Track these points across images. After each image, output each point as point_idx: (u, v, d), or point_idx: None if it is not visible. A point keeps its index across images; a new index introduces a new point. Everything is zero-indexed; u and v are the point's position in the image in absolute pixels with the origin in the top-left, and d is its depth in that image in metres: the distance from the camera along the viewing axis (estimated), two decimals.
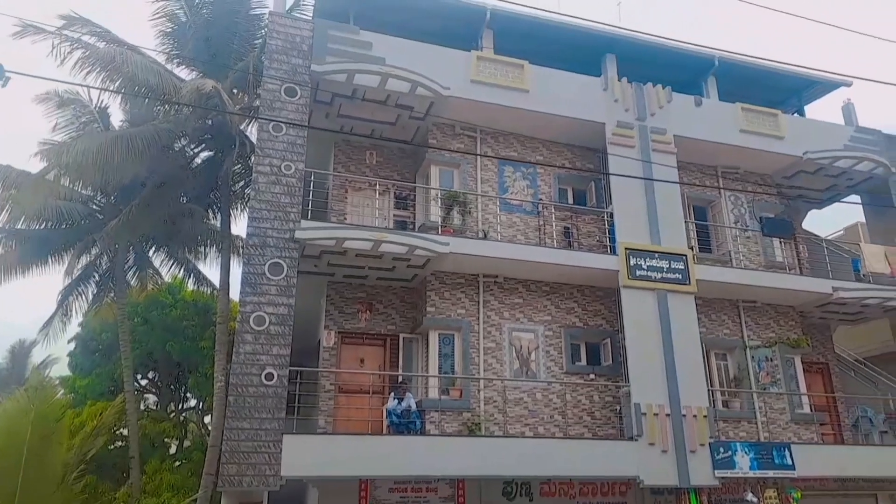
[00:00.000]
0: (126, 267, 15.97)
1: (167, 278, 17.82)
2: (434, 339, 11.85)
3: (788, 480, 12.06)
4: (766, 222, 14.46)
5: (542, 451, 10.88)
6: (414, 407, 10.85)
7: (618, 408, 12.23)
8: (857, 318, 15.53)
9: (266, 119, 11.22)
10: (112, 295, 15.94)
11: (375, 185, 12.88)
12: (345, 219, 12.56)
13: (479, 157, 13.17)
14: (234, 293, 12.77)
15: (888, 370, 15.93)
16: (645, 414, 11.49)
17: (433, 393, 11.47)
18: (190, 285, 17.98)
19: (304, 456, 9.57)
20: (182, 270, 17.20)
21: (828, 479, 12.90)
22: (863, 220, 18.11)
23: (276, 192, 10.89)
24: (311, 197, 11.50)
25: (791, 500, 11.87)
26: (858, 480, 13.24)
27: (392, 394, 11.00)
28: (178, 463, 16.14)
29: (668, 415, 11.60)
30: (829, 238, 17.08)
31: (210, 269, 17.48)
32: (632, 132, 13.53)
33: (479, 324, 12.20)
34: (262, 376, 9.72)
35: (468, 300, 12.34)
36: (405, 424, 10.65)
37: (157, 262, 17.13)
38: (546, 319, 12.73)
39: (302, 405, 10.46)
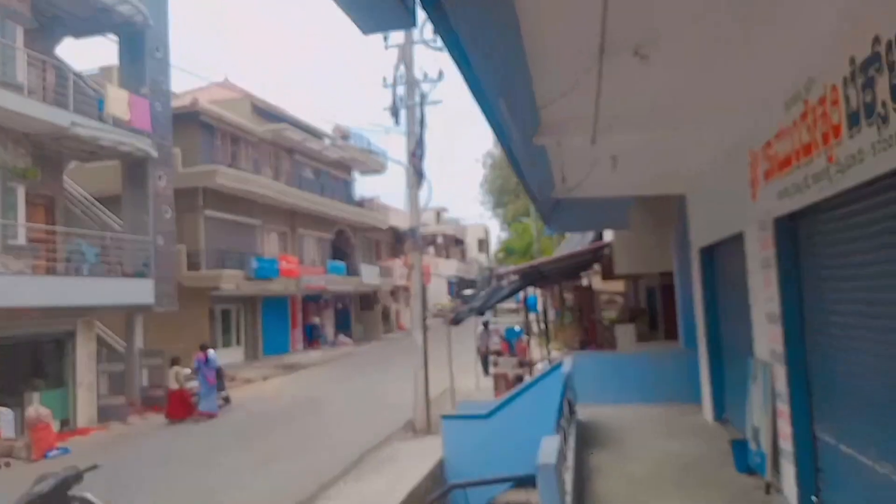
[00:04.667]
0: None
1: None
2: None
3: None
4: None
5: None
6: None
7: None
8: (93, 157, 15.79)
9: None
10: None
11: None
12: None
13: None
14: None
15: (113, 210, 17.08)
16: None
17: None
18: None
19: None
20: None
21: (34, 308, 12.85)
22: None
23: None
24: None
25: None
26: (63, 309, 13.73)
27: None
28: None
29: None
30: (81, 73, 16.47)
31: None
32: None
33: None
34: None
35: None
36: None
37: None
38: None
39: None
